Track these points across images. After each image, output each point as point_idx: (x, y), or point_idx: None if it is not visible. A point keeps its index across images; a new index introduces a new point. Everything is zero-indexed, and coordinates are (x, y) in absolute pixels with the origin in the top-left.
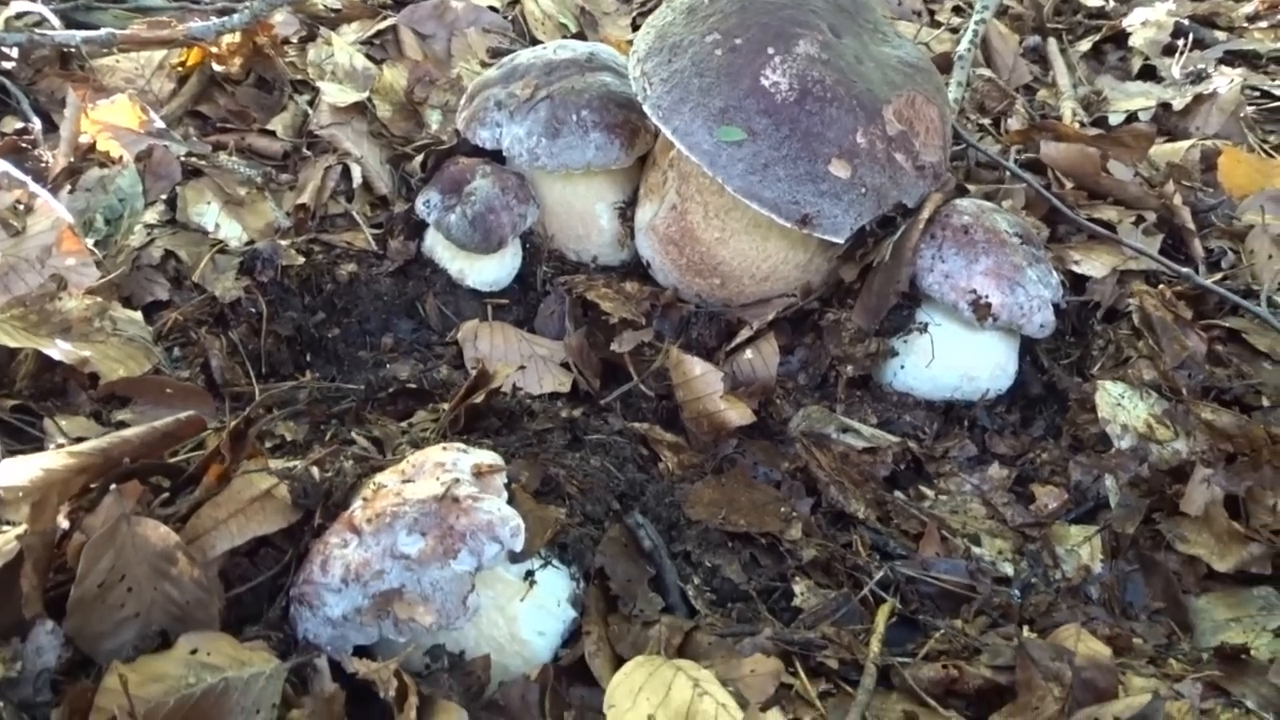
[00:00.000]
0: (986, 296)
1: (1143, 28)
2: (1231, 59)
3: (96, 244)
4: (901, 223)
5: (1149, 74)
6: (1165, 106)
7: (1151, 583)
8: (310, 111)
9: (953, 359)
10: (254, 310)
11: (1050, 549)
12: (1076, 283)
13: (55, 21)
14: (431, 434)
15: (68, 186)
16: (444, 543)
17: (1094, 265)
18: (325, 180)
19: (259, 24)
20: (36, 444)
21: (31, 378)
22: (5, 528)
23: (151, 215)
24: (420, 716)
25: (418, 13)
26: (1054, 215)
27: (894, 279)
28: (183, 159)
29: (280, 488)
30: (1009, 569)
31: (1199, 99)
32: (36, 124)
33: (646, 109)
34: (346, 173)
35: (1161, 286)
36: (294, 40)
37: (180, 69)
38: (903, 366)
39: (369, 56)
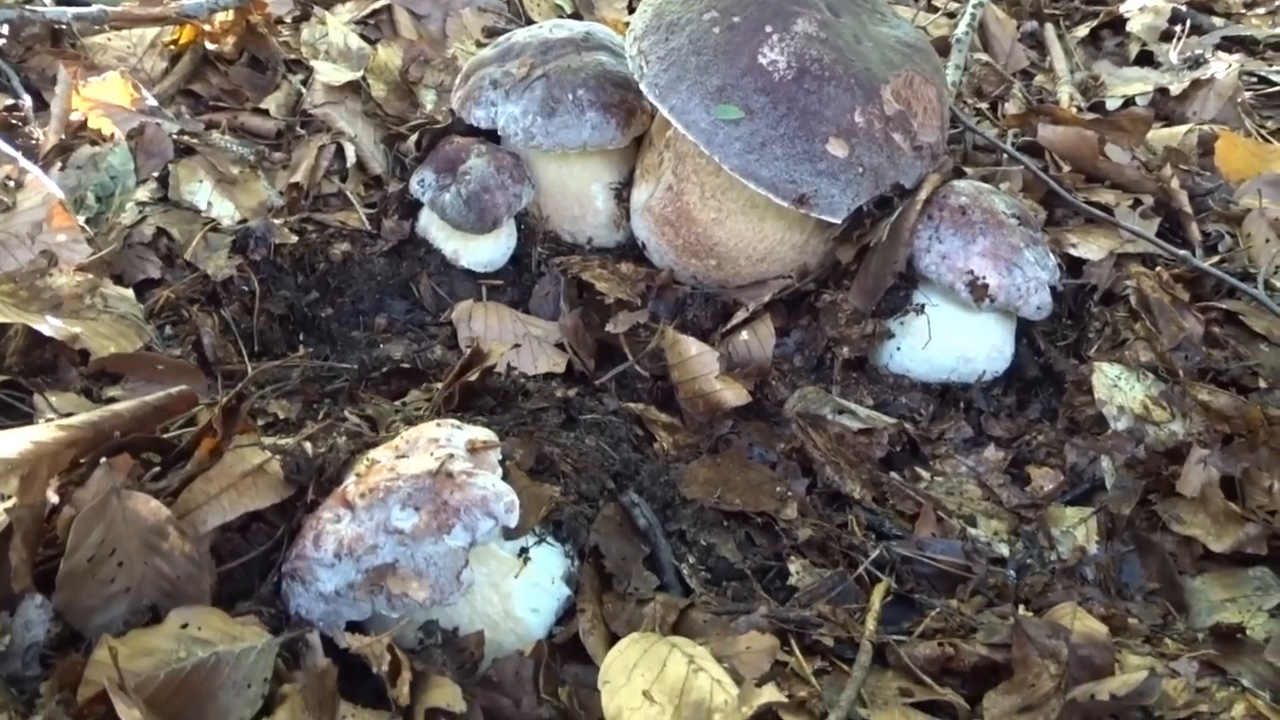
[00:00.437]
0: (984, 277)
1: (1140, 13)
2: (1229, 45)
3: (87, 221)
4: (899, 204)
5: (1146, 60)
6: (1163, 92)
7: (1147, 563)
8: (304, 91)
9: (949, 341)
10: (246, 289)
11: (1046, 530)
12: (1073, 266)
13: None
14: (425, 412)
15: (58, 164)
16: (438, 518)
17: (1091, 248)
18: (319, 159)
19: (252, 3)
20: (26, 420)
21: (21, 354)
22: None
23: (143, 193)
24: (413, 692)
25: None
26: (1051, 198)
27: (891, 260)
28: (175, 137)
29: (273, 463)
30: (1004, 550)
31: (1196, 84)
32: (27, 101)
33: (643, 87)
34: (340, 152)
35: (1159, 269)
36: (288, 20)
37: (173, 47)
38: (899, 348)
39: (363, 36)
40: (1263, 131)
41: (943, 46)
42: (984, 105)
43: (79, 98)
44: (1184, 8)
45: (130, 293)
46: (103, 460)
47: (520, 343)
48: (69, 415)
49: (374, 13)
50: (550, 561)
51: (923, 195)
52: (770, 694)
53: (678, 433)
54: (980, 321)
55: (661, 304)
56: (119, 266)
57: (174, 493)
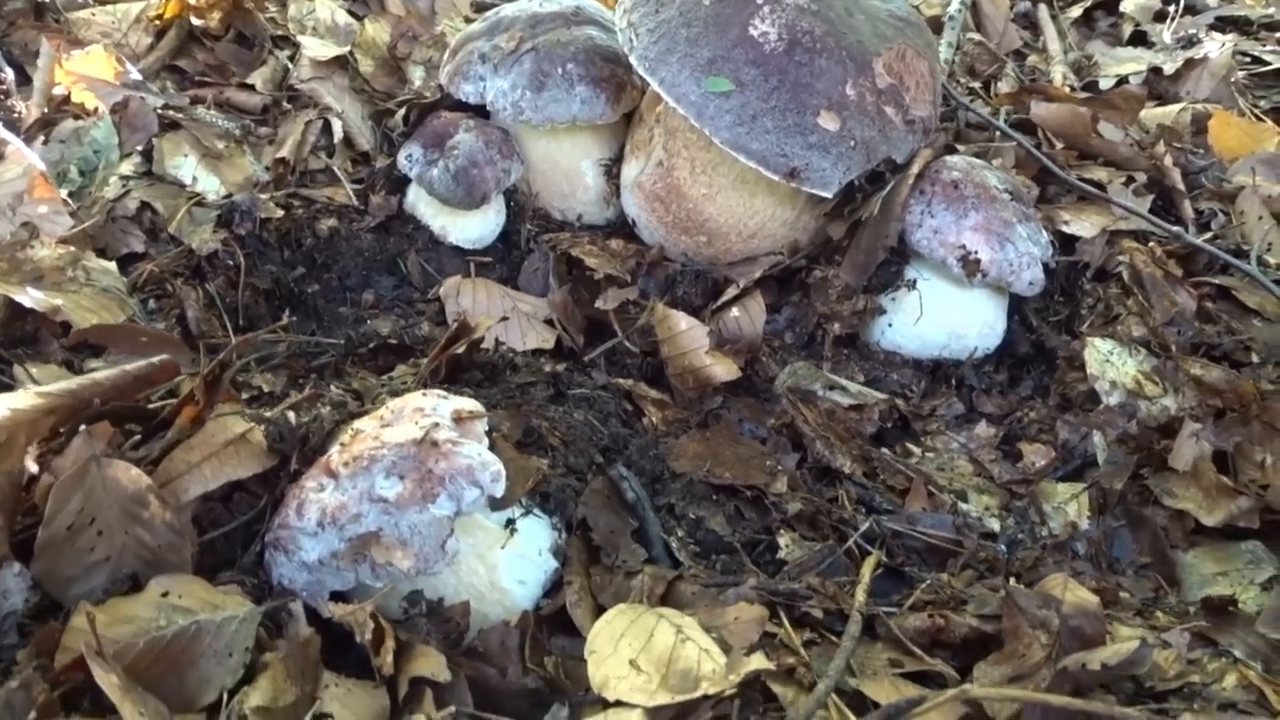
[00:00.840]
0: (976, 252)
1: None
2: (1222, 25)
3: (70, 195)
4: (891, 178)
5: (1140, 40)
6: (1156, 71)
7: (1139, 538)
8: (290, 66)
9: (941, 316)
10: (231, 263)
11: (1037, 505)
12: (1066, 243)
13: None
14: (412, 386)
15: (41, 138)
16: (422, 486)
17: (1083, 225)
18: (305, 135)
19: None
20: (6, 390)
21: (2, 326)
22: None
23: (127, 167)
24: (397, 661)
25: None
26: (1044, 175)
27: (882, 235)
28: (159, 111)
29: (255, 432)
30: (995, 525)
31: (1190, 64)
32: (9, 74)
33: (633, 60)
34: (327, 127)
35: (1152, 244)
36: None
37: (158, 23)
38: (890, 324)
39: (350, 12)
40: (1256, 111)
41: (935, 25)
42: (977, 84)
43: (62, 72)
44: None
45: (113, 266)
46: (82, 428)
47: (509, 318)
48: None
49: None
50: (537, 533)
51: (914, 170)
52: (758, 662)
53: (667, 408)
54: (972, 297)
55: (651, 281)
56: (102, 240)
57: (155, 461)
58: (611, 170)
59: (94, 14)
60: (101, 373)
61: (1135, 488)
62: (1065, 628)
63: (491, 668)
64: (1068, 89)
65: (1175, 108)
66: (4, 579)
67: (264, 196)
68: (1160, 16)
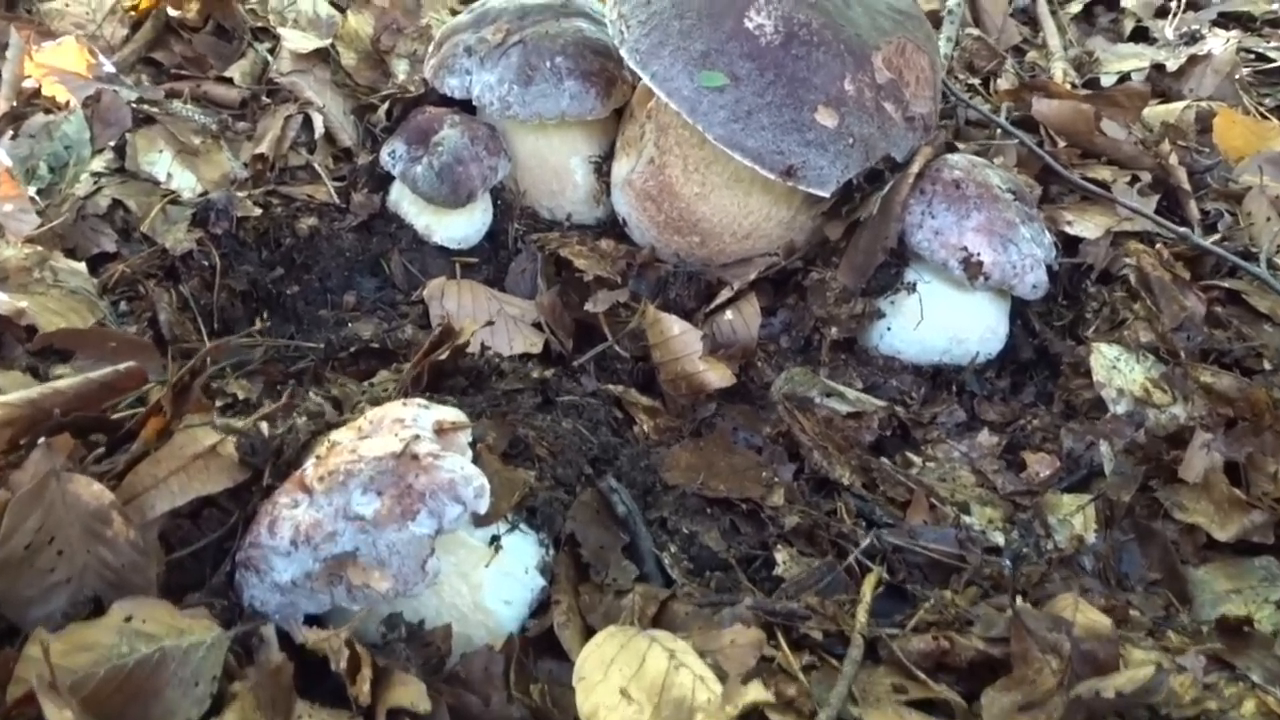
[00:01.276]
0: (978, 254)
1: None
2: (1225, 21)
3: (40, 192)
4: (890, 177)
5: (1141, 36)
6: (1159, 68)
7: (1148, 553)
8: (270, 59)
9: (941, 321)
10: (207, 264)
11: (1042, 518)
12: (1069, 244)
13: None
14: (393, 393)
15: (10, 132)
16: (402, 503)
17: (1087, 226)
18: (285, 130)
19: None
20: None
21: None
22: None
23: (99, 163)
24: (375, 690)
25: None
26: (1046, 174)
27: (881, 236)
28: (134, 105)
29: (226, 444)
30: (1000, 538)
31: (1193, 60)
32: None
33: (623, 53)
34: (308, 123)
35: (1159, 246)
36: None
37: (133, 14)
38: (889, 328)
39: (333, 4)
40: (1261, 109)
41: (934, 20)
42: (976, 80)
43: (32, 64)
44: None
45: (83, 266)
46: (42, 440)
47: (495, 321)
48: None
49: None
50: (523, 550)
51: (915, 168)
52: (756, 692)
53: (659, 416)
54: (974, 301)
55: (643, 282)
56: (71, 239)
57: (119, 475)
58: (601, 168)
59: (67, 4)
60: (64, 381)
61: (1144, 500)
62: (1077, 652)
63: (475, 696)
64: (1069, 86)
65: (1179, 105)
66: None
67: (241, 194)
68: (1162, 12)
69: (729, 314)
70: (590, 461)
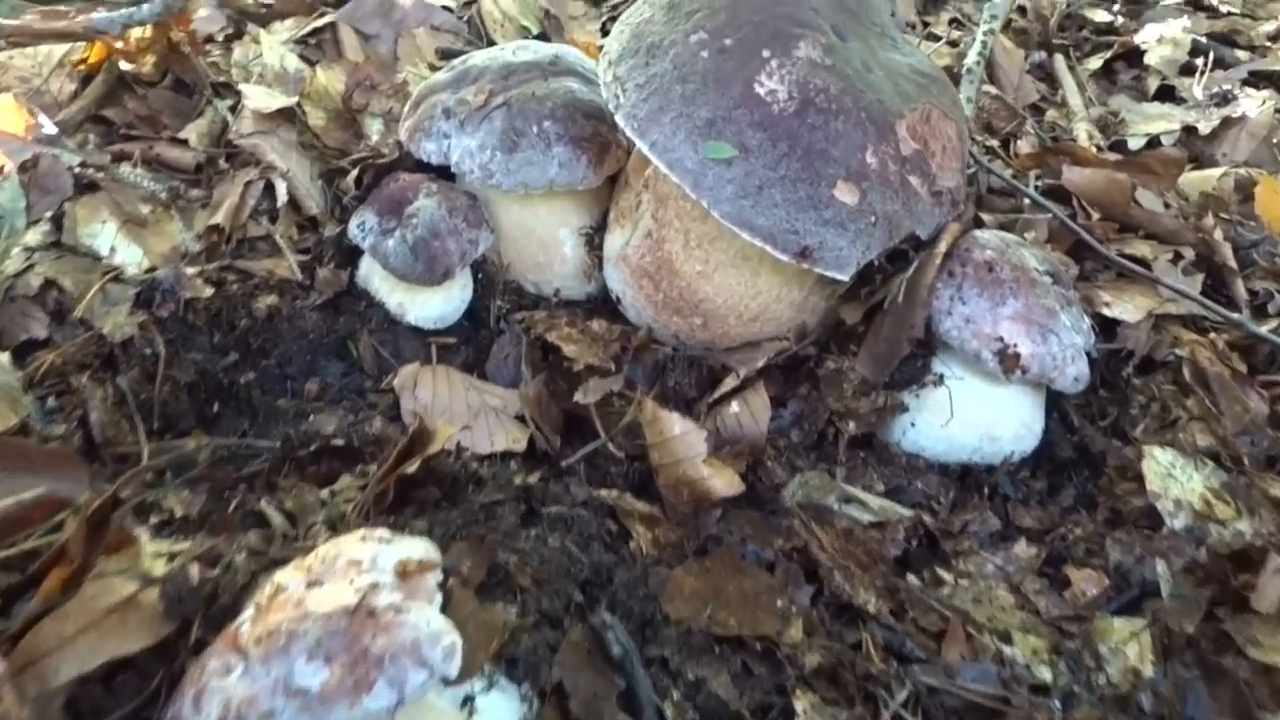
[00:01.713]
0: (1015, 345)
1: (1158, 45)
2: (1255, 80)
3: None
4: (914, 257)
5: (1167, 94)
6: (1189, 130)
7: (1217, 694)
8: (230, 119)
9: (972, 416)
10: (149, 351)
11: (1092, 647)
12: (1105, 326)
13: None
14: (352, 512)
15: None
16: (355, 672)
17: (1126, 308)
18: (245, 197)
19: (174, 18)
20: None
21: None
22: None
23: (33, 236)
24: None
25: (360, 10)
26: (1079, 250)
27: (907, 323)
28: (75, 170)
29: (148, 593)
30: (1046, 673)
31: (1227, 123)
32: None
33: (619, 119)
34: (270, 189)
35: (1213, 335)
36: (219, 38)
37: (83, 68)
38: (913, 424)
39: (303, 58)
40: None
41: (951, 78)
42: (995, 142)
43: None
44: (1205, 40)
45: (6, 357)
46: None
47: (473, 418)
48: None
49: (315, 32)
50: (502, 709)
51: (942, 248)
52: None
53: (658, 526)
54: (1007, 395)
55: (639, 368)
56: None
57: (15, 636)
58: (593, 240)
59: (10, 57)
60: None
61: (1209, 630)
62: None
63: None
64: (1094, 149)
65: (1215, 172)
66: None
67: (192, 270)
68: (1188, 70)
69: (735, 406)
70: (581, 586)
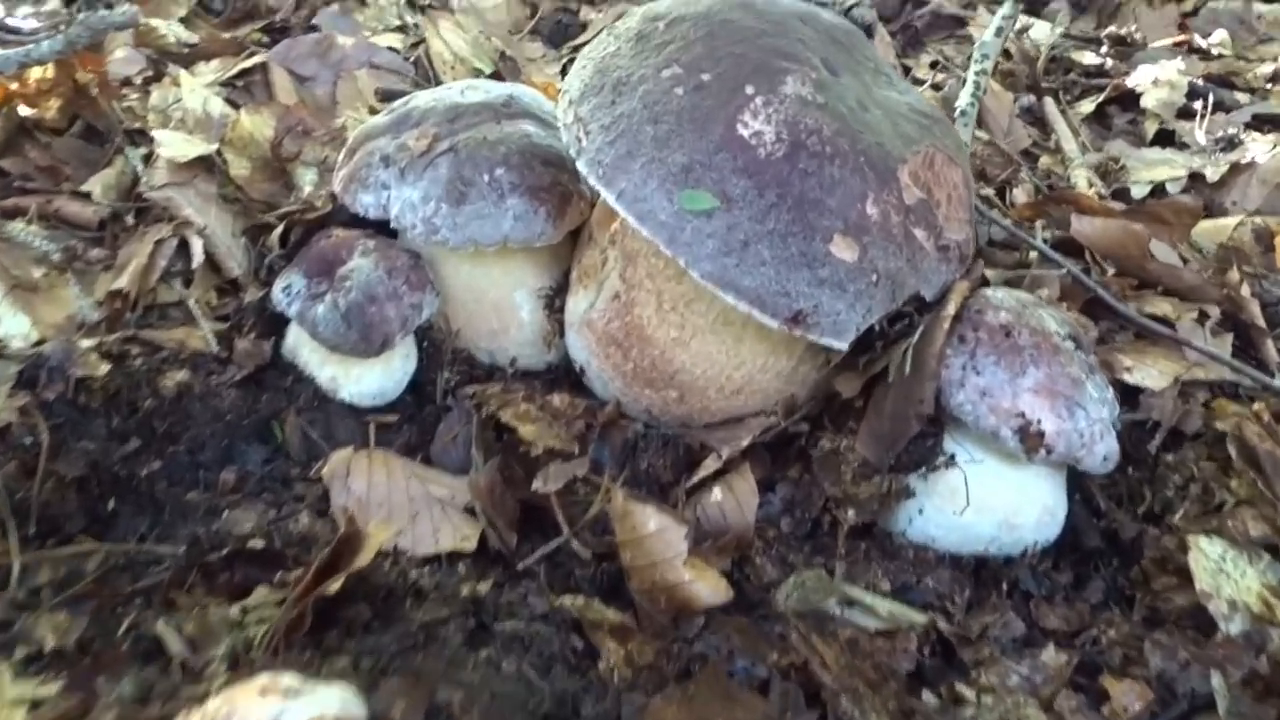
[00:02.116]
0: (1038, 422)
1: (1154, 87)
2: (1259, 123)
3: None
4: (918, 320)
5: (1166, 139)
6: (1194, 176)
7: None
8: (141, 169)
9: (989, 502)
10: (30, 441)
11: None
12: (1125, 395)
13: None
14: (263, 639)
15: None
16: None
17: (1150, 373)
18: (154, 258)
19: (81, 59)
20: None
21: None
22: None
23: None
24: None
25: (295, 50)
26: (1091, 309)
27: (914, 397)
28: None
29: None
30: None
31: (1236, 169)
32: None
33: (581, 166)
34: (185, 248)
35: (1257, 406)
36: (137, 81)
37: None
38: (921, 511)
39: (229, 101)
40: None
41: None
42: (990, 190)
43: None
44: (1201, 82)
45: None
46: None
47: (416, 512)
48: None
49: (245, 73)
50: None
51: (950, 309)
52: None
53: (631, 640)
54: (1028, 477)
55: (606, 449)
56: None
57: None
58: (554, 303)
59: None
60: None
61: None
62: None
63: None
64: (1096, 196)
65: (1229, 221)
66: None
67: (88, 343)
68: (1186, 113)
69: (717, 492)
70: None
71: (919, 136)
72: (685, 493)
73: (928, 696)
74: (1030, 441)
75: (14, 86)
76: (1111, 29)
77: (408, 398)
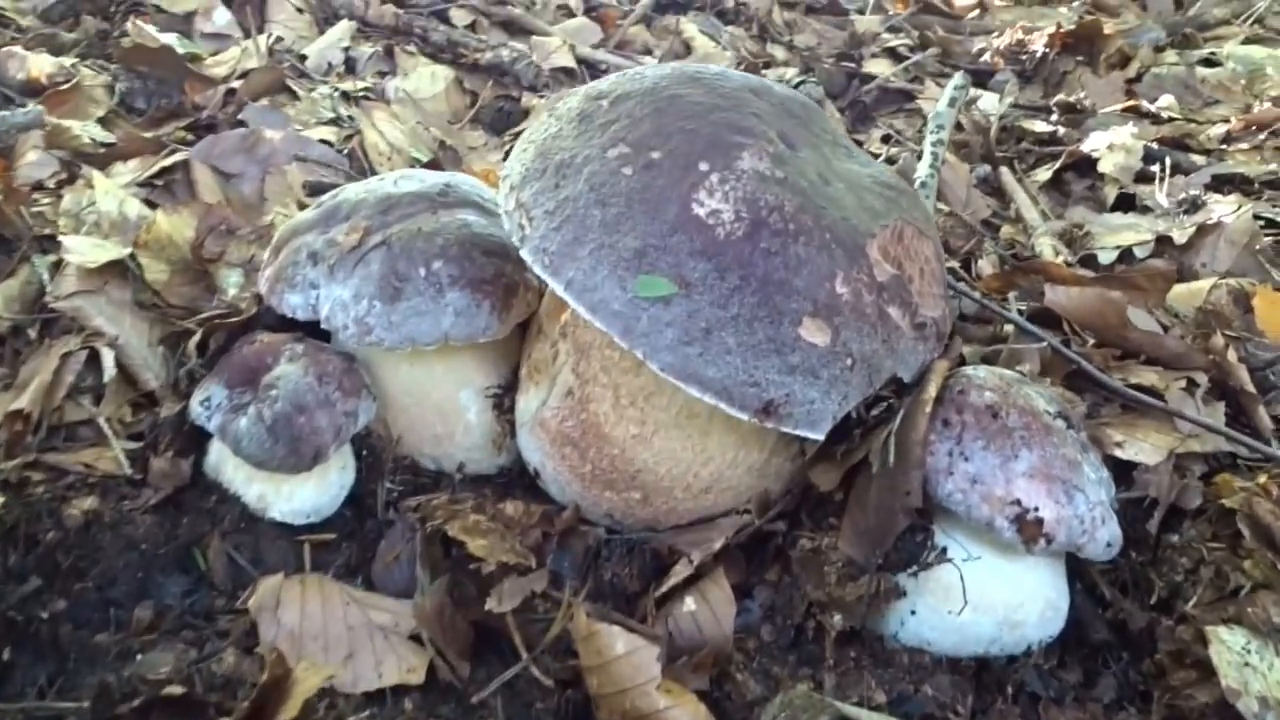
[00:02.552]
0: (1035, 509)
1: (1110, 152)
2: (1218, 184)
3: None
4: (897, 403)
5: (1127, 204)
6: (1161, 240)
7: None
8: (48, 278)
9: (987, 599)
10: None
11: None
12: (1118, 471)
13: None
14: None
15: None
16: None
17: (1142, 448)
18: (61, 373)
19: None
20: None
21: None
22: None
23: None
24: None
25: (220, 146)
26: (1073, 382)
27: (900, 489)
28: None
29: None
30: None
31: (1203, 230)
32: None
33: (526, 255)
34: (95, 360)
35: (1264, 479)
36: (50, 184)
37: None
38: (914, 611)
39: (148, 202)
40: None
41: None
42: (955, 263)
43: None
44: (1156, 146)
45: None
46: None
47: (356, 643)
48: None
49: (165, 171)
50: None
51: (931, 391)
52: None
53: None
54: (1026, 569)
55: (566, 558)
56: None
57: None
58: (503, 402)
59: None
60: None
61: None
62: None
63: None
64: (1064, 264)
65: (1202, 284)
66: None
67: None
68: (1143, 177)
69: (690, 601)
70: None
71: (885, 209)
72: (655, 603)
73: None
74: (1028, 531)
75: None
76: (1060, 97)
77: (346, 513)
